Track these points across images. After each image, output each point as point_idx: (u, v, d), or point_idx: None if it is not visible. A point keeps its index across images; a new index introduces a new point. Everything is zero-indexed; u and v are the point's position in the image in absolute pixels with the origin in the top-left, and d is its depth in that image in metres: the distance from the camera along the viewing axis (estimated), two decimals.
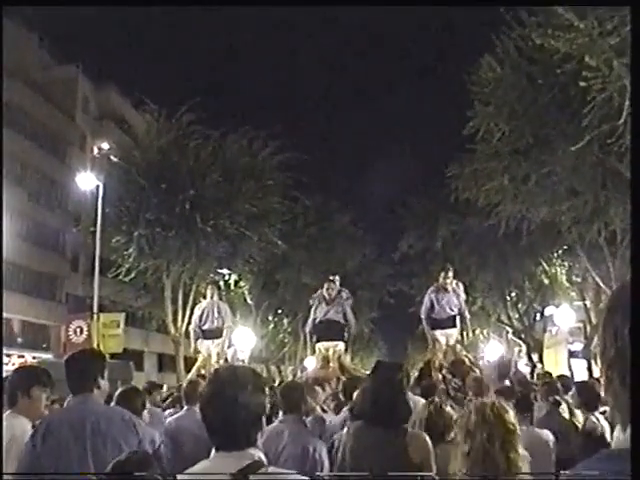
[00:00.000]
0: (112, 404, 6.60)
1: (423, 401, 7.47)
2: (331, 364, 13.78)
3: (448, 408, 5.89)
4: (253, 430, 2.85)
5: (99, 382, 4.83)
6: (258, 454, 2.80)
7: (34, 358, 36.56)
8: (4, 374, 9.18)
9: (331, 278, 15.18)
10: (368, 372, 14.13)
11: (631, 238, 1.62)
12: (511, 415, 3.72)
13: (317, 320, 14.37)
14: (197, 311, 15.91)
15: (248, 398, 2.83)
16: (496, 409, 3.68)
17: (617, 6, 16.32)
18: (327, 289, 14.33)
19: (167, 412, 9.45)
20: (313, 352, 14.84)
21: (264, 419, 2.92)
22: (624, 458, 1.39)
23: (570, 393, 9.04)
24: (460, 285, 15.18)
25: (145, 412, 8.49)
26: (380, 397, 4.78)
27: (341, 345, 14.29)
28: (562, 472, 1.60)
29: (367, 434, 4.75)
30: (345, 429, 4.99)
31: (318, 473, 5.23)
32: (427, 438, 4.76)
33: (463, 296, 15.16)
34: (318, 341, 14.46)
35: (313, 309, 14.51)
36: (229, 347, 17.60)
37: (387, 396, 4.77)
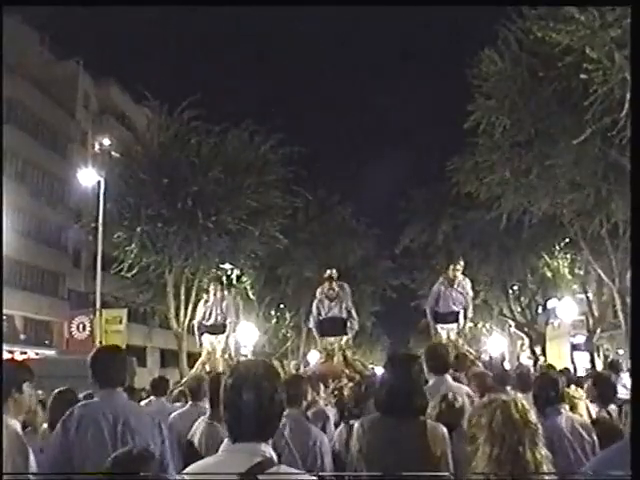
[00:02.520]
0: None
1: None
2: (335, 358, 13.79)
3: (459, 403, 5.88)
4: (270, 426, 2.86)
5: (126, 378, 4.99)
6: (269, 451, 2.79)
7: (37, 354, 36.55)
8: None
9: (328, 272, 15.17)
10: (371, 365, 14.18)
11: (631, 238, 1.63)
12: (533, 414, 3.66)
13: (321, 318, 14.37)
14: (201, 306, 15.92)
15: (271, 393, 2.84)
16: (521, 409, 3.61)
17: (617, 6, 16.30)
18: (328, 289, 14.32)
19: (176, 405, 9.53)
20: (315, 345, 14.85)
21: (282, 416, 2.93)
22: None
23: (586, 386, 8.99)
24: (467, 281, 15.17)
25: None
26: (397, 388, 4.76)
27: (345, 339, 14.29)
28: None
29: (385, 426, 4.73)
30: (357, 423, 4.96)
31: (323, 473, 5.22)
32: (445, 430, 4.75)
33: (470, 293, 15.16)
34: (321, 336, 14.48)
35: (315, 305, 14.49)
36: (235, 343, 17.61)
37: (404, 387, 4.74)
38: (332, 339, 14.14)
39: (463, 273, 14.93)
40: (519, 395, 5.26)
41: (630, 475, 2.75)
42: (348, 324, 14.31)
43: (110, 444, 4.54)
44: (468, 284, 15.08)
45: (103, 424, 4.60)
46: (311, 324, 14.75)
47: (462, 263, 14.83)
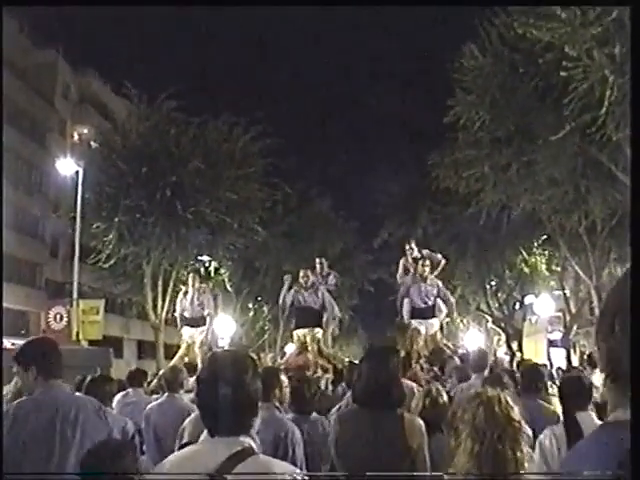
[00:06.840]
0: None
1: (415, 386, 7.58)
2: (310, 349, 13.77)
3: (444, 399, 5.90)
4: (249, 416, 2.82)
5: (62, 369, 4.70)
6: (248, 441, 2.77)
7: (13, 344, 36.28)
8: None
9: (318, 261, 15.24)
10: (347, 359, 14.20)
11: (631, 239, 1.63)
12: (517, 411, 3.69)
13: (295, 307, 14.35)
14: (180, 299, 15.91)
15: (248, 383, 2.80)
16: (504, 407, 3.63)
17: (617, 6, 16.29)
18: (303, 276, 14.33)
19: (153, 397, 9.51)
20: (291, 338, 14.84)
21: (259, 406, 2.90)
22: (625, 427, 1.43)
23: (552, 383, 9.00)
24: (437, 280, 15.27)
25: (118, 396, 8.48)
26: (375, 380, 4.76)
27: (319, 331, 14.26)
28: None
29: (362, 418, 4.73)
30: (335, 415, 4.95)
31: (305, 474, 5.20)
32: (422, 423, 4.76)
33: (440, 284, 15.28)
34: (296, 328, 14.45)
35: (287, 290, 14.46)
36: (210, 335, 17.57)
37: (382, 379, 4.74)
38: (306, 330, 14.10)
39: (440, 269, 15.02)
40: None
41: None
42: (324, 317, 14.29)
43: (47, 441, 4.37)
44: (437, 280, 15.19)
45: (39, 421, 4.40)
46: (281, 304, 14.68)
47: (414, 241, 14.99)
